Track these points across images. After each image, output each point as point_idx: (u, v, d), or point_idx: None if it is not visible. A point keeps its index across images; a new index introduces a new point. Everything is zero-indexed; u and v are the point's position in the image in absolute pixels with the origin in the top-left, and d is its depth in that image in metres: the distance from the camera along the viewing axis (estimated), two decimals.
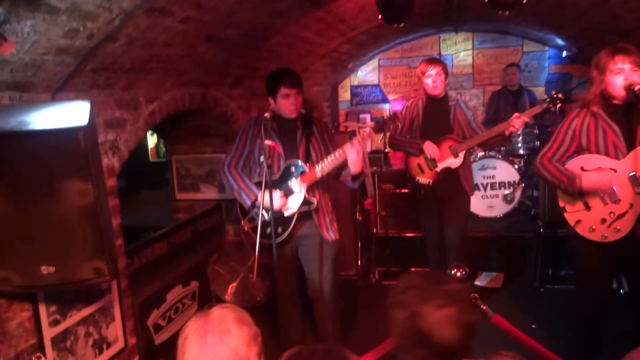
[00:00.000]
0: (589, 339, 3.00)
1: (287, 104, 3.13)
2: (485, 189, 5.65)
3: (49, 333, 2.34)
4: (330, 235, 3.28)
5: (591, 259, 2.88)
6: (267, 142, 2.83)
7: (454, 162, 3.88)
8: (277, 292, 3.03)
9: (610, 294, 3.07)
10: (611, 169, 2.74)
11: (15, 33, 1.76)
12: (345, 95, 7.69)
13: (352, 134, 5.43)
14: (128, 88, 2.80)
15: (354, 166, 3.03)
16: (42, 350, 2.29)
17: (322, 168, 3.08)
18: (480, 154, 5.64)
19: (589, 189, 2.77)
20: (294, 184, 3.15)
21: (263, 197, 2.91)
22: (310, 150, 3.24)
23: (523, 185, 5.61)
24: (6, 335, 2.13)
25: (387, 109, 7.50)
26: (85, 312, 2.57)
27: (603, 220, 2.78)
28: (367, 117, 7.56)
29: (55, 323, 2.38)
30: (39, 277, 1.98)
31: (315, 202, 3.18)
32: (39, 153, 1.86)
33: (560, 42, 6.33)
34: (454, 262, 3.30)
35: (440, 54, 7.22)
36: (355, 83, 7.64)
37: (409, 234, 5.28)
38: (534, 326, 3.83)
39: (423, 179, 4.00)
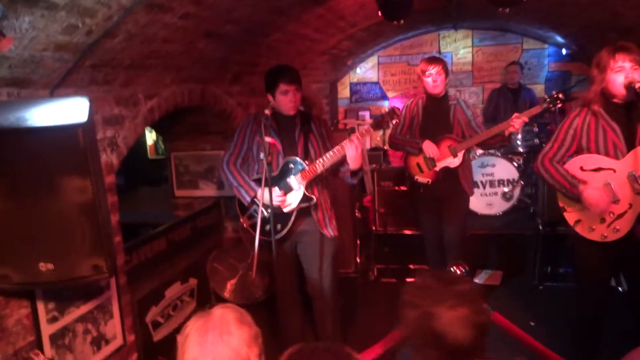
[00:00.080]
0: (588, 339, 3.00)
1: (286, 100, 3.13)
2: (484, 186, 5.65)
3: (47, 330, 2.33)
4: (329, 232, 3.28)
5: (591, 258, 2.88)
6: (267, 139, 2.83)
7: (453, 162, 3.87)
8: (276, 289, 3.02)
9: (609, 294, 3.07)
10: (610, 168, 2.74)
11: (13, 29, 1.75)
12: (344, 92, 7.68)
13: (351, 131, 5.43)
14: (127, 84, 2.79)
15: (353, 162, 3.03)
16: (40, 347, 2.29)
17: (321, 163, 3.08)
18: (480, 151, 5.63)
19: (587, 202, 2.77)
20: (293, 180, 3.14)
21: (262, 194, 2.91)
22: (308, 147, 3.24)
23: (522, 183, 5.61)
24: (4, 333, 2.13)
25: (386, 106, 7.49)
26: (84, 309, 2.56)
27: (602, 220, 2.78)
28: (367, 114, 7.55)
29: (53, 320, 2.37)
30: (38, 274, 1.98)
31: (315, 199, 3.18)
32: (38, 150, 1.85)
33: (560, 39, 6.32)
34: (453, 260, 3.30)
35: (439, 52, 7.21)
36: (355, 80, 7.63)
37: (407, 232, 5.28)
38: (532, 324, 3.84)
39: (422, 179, 4.00)
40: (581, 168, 2.81)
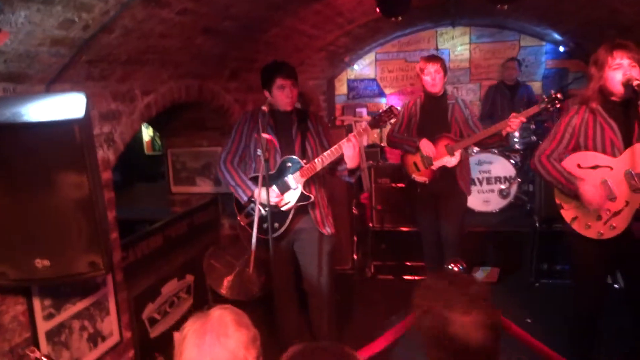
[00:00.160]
0: (585, 336, 3.00)
1: (282, 95, 3.12)
2: (481, 183, 5.66)
3: (43, 327, 2.32)
4: (327, 229, 3.29)
5: (587, 256, 2.88)
6: (265, 136, 2.82)
7: (450, 161, 3.86)
8: (273, 287, 3.02)
9: (606, 291, 3.08)
10: (607, 166, 2.74)
11: (9, 23, 1.73)
12: (342, 89, 7.67)
13: (349, 128, 5.43)
14: (124, 80, 2.77)
15: (351, 161, 3.03)
16: (36, 344, 2.28)
17: (320, 162, 3.07)
18: (477, 149, 5.63)
19: (582, 198, 2.77)
20: (290, 179, 3.14)
21: (259, 192, 2.90)
22: (306, 145, 3.24)
23: (519, 180, 5.62)
24: (0, 329, 2.12)
25: (383, 103, 7.49)
26: (80, 305, 2.55)
27: (599, 218, 2.78)
28: (364, 111, 7.54)
29: (49, 317, 2.36)
30: (34, 271, 1.96)
31: (312, 197, 3.18)
32: (34, 145, 1.84)
33: (557, 37, 6.32)
34: (450, 258, 3.31)
35: (437, 48, 7.20)
36: (352, 77, 7.62)
37: (404, 228, 5.28)
38: (529, 320, 3.85)
39: (419, 177, 4.00)
40: (578, 165, 2.81)
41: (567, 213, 2.89)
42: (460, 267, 2.83)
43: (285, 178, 3.15)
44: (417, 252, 4.41)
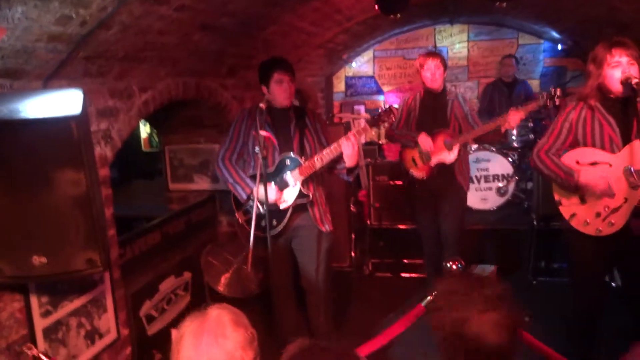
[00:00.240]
0: (584, 335, 3.00)
1: (280, 90, 3.11)
2: (479, 181, 5.65)
3: (40, 324, 2.32)
4: (325, 226, 3.28)
5: (585, 253, 2.88)
6: (263, 133, 2.81)
7: (448, 157, 3.84)
8: (271, 284, 3.02)
9: (604, 289, 3.07)
10: (606, 162, 2.74)
11: (6, 19, 1.72)
12: (340, 86, 7.66)
13: (347, 126, 5.43)
14: (121, 77, 2.76)
15: (349, 160, 3.02)
16: (33, 341, 2.27)
17: (319, 161, 3.07)
18: (475, 146, 5.63)
19: (586, 185, 2.75)
20: (289, 177, 3.13)
21: (258, 190, 2.89)
22: (304, 142, 3.23)
23: (517, 178, 5.61)
24: None
25: (381, 100, 7.48)
26: (77, 302, 2.54)
27: (597, 214, 2.77)
28: (362, 108, 7.54)
29: (46, 314, 2.36)
30: (31, 268, 1.96)
31: (311, 195, 3.17)
32: (31, 142, 1.83)
33: (555, 35, 6.32)
34: (450, 256, 3.30)
35: (435, 46, 7.20)
36: (350, 74, 7.61)
37: (402, 226, 5.28)
38: (527, 319, 3.84)
39: (417, 172, 3.99)
40: (577, 162, 2.80)
41: (566, 209, 2.88)
42: (459, 265, 2.82)
43: (284, 175, 3.14)
44: (415, 249, 4.40)
